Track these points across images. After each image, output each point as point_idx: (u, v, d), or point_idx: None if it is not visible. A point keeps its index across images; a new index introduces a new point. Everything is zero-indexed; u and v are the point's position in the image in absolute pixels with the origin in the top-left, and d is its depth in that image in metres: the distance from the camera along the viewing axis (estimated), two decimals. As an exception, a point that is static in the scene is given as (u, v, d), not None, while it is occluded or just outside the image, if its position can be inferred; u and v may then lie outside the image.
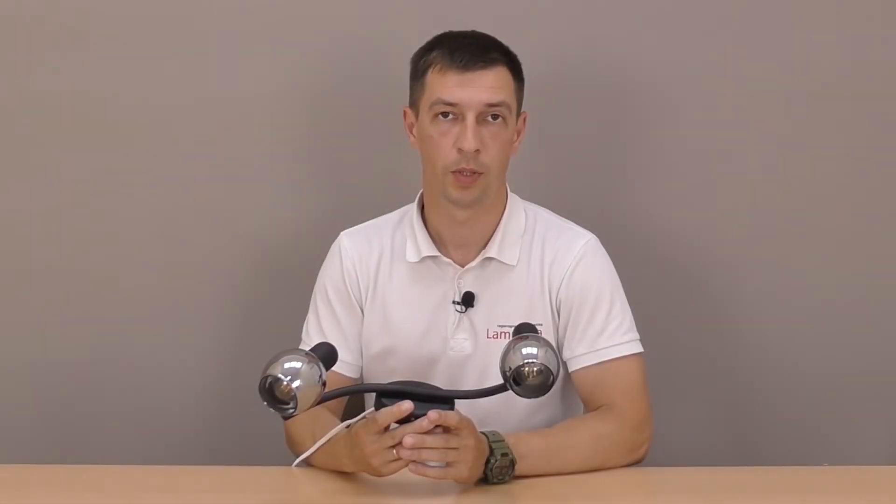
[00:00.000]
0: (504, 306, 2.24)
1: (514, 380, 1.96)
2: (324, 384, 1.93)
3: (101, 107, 2.67)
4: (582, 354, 2.24)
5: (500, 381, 1.99)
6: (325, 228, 2.41)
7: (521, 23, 2.59)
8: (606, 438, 2.15)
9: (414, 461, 1.96)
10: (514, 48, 2.25)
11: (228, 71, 2.67)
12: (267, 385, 1.92)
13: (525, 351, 1.96)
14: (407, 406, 1.95)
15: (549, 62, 2.61)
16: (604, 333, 2.23)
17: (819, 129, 2.68)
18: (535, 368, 1.95)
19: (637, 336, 2.27)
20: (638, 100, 2.67)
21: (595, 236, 2.30)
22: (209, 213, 2.70)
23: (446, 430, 1.97)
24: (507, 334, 2.21)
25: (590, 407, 2.24)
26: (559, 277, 2.25)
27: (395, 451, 1.95)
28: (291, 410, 1.91)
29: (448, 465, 1.97)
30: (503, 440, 2.04)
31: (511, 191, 2.30)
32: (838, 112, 2.68)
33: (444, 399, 2.00)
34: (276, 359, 1.92)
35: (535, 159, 2.58)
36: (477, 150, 2.15)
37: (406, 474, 1.99)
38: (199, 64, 2.67)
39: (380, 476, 2.00)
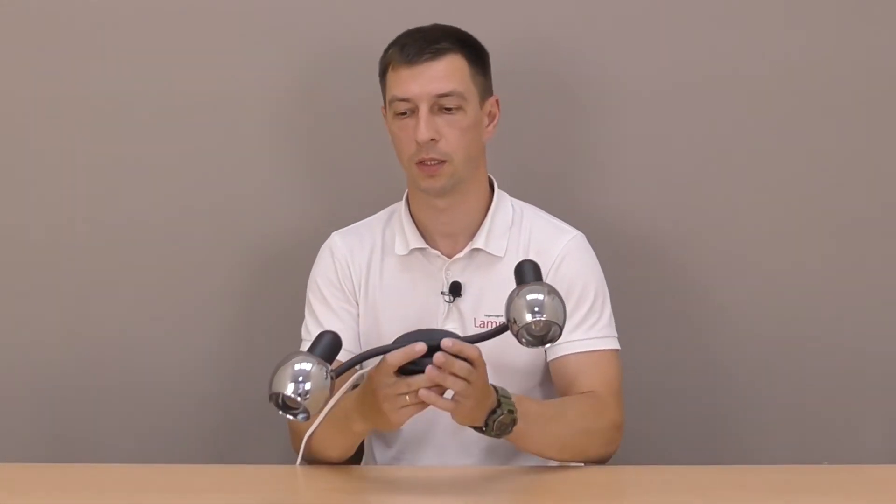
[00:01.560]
0: (492, 297, 2.25)
1: (527, 331, 1.94)
2: (333, 379, 1.90)
3: (94, 107, 2.67)
4: (559, 344, 2.23)
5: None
6: (322, 228, 2.41)
7: (509, 23, 2.59)
8: (594, 418, 2.16)
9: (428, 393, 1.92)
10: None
11: (221, 72, 2.66)
12: (280, 401, 1.90)
13: (530, 297, 1.93)
14: (420, 347, 1.92)
15: (535, 60, 2.61)
16: (583, 326, 2.25)
17: (807, 127, 2.67)
18: (541, 323, 1.93)
19: (615, 334, 2.28)
20: (624, 98, 2.66)
21: (581, 233, 2.32)
22: (204, 216, 2.69)
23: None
24: (495, 324, 2.21)
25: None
26: (545, 270, 2.26)
27: (407, 397, 1.93)
28: (304, 416, 1.90)
29: (455, 398, 1.95)
30: (511, 397, 2.03)
31: (499, 189, 2.32)
32: (827, 107, 2.67)
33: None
34: (278, 370, 1.89)
35: (521, 158, 2.58)
36: (433, 140, 2.18)
37: (407, 473, 1.98)
38: (192, 65, 2.66)
39: (390, 427, 1.98)
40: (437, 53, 2.20)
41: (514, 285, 2.17)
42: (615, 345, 2.28)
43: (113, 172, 2.69)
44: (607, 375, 2.24)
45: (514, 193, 2.36)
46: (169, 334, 2.72)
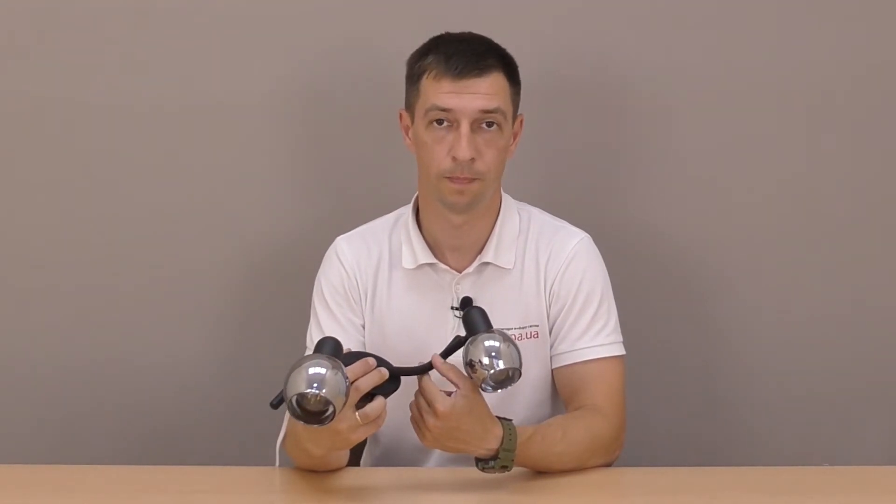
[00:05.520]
0: (501, 310, 2.21)
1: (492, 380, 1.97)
2: (347, 380, 1.88)
3: (98, 109, 2.67)
4: (564, 353, 2.24)
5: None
6: (322, 230, 2.40)
7: (513, 25, 2.57)
8: (598, 440, 2.14)
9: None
10: (507, 51, 2.22)
11: (226, 74, 2.66)
12: (296, 403, 1.86)
13: (488, 344, 1.96)
14: (372, 361, 1.94)
15: (543, 64, 2.60)
16: (587, 333, 2.24)
17: (814, 131, 2.68)
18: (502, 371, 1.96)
19: (620, 339, 2.26)
20: (631, 101, 2.67)
21: (588, 235, 2.30)
22: (207, 216, 2.70)
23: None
24: None
25: (570, 406, 2.23)
26: (553, 276, 2.26)
27: (359, 418, 1.92)
28: (330, 414, 1.87)
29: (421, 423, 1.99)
30: (513, 451, 2.01)
31: (504, 192, 2.29)
32: (835, 113, 2.67)
33: (393, 376, 1.97)
34: (293, 371, 1.86)
35: (528, 161, 2.58)
36: (472, 159, 2.14)
37: (407, 475, 1.98)
38: (197, 67, 2.66)
39: (348, 445, 1.97)
40: (484, 69, 2.15)
41: (522, 296, 2.16)
42: (620, 351, 2.25)
43: (113, 173, 2.69)
44: (612, 386, 2.22)
45: (522, 196, 2.35)
46: (169, 337, 2.72)
